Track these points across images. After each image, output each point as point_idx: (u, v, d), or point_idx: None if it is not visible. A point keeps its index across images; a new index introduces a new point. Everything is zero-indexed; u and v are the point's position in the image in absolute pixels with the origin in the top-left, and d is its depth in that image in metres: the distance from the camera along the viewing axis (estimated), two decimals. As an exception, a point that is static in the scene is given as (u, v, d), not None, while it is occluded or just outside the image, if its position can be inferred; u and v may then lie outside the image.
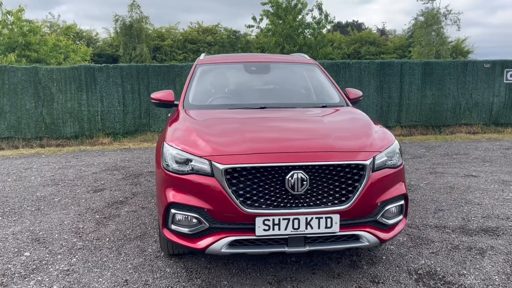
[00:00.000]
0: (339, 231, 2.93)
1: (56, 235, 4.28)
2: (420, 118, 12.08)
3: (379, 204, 3.03)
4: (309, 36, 20.25)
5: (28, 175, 7.19)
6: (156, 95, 4.38)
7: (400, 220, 3.24)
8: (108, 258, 3.71)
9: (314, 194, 2.90)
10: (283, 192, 2.87)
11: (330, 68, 11.47)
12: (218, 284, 3.21)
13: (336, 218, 2.90)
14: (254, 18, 20.77)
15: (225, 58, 4.99)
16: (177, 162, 3.04)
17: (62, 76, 10.82)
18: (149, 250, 3.86)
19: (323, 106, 4.11)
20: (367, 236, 3.01)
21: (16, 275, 3.38)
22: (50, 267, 3.53)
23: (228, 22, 61.68)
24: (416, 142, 10.72)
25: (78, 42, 28.66)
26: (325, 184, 2.91)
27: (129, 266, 3.54)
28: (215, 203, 2.87)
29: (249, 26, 21.17)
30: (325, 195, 2.91)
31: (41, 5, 48.52)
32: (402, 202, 3.20)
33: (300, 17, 19.83)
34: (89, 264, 3.59)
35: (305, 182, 2.84)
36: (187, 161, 2.99)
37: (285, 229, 2.87)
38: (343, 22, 37.75)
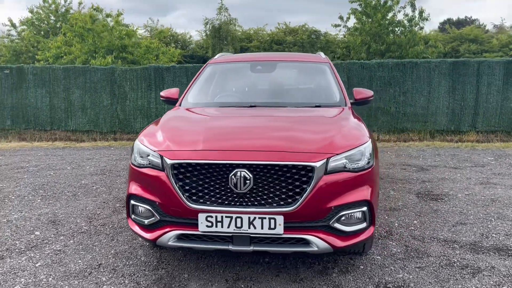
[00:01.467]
0: (284, 234, 2.85)
1: (72, 219, 4.72)
2: (501, 124, 10.89)
3: (332, 208, 2.88)
4: (399, 35, 19.23)
5: (85, 165, 7.97)
6: (164, 92, 4.62)
7: (363, 228, 3.03)
8: (100, 243, 4.00)
9: (259, 193, 2.85)
10: (228, 190, 2.87)
11: (395, 68, 10.87)
12: (178, 276, 3.31)
13: (280, 219, 2.82)
14: (341, 17, 20.28)
15: (237, 57, 5.05)
16: (141, 157, 3.19)
17: (134, 76, 11.73)
18: (139, 239, 4.08)
19: (317, 106, 3.98)
20: (316, 242, 2.88)
21: (16, 250, 3.82)
22: (47, 246, 3.92)
23: (327, 23, 61.12)
24: (490, 150, 9.68)
25: (173, 45, 30.73)
26: (271, 184, 2.85)
27: (112, 252, 3.79)
28: (164, 196, 2.97)
29: (336, 25, 20.74)
30: (271, 195, 2.85)
31: (160, 11, 53.62)
32: (365, 208, 2.99)
33: (390, 14, 18.92)
34: (81, 246, 3.91)
35: (248, 181, 2.82)
36: (147, 156, 3.13)
37: (228, 227, 2.86)
38: (454, 19, 35.04)
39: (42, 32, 25.56)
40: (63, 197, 5.67)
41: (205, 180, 2.90)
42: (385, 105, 11.00)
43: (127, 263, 3.55)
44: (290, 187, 2.84)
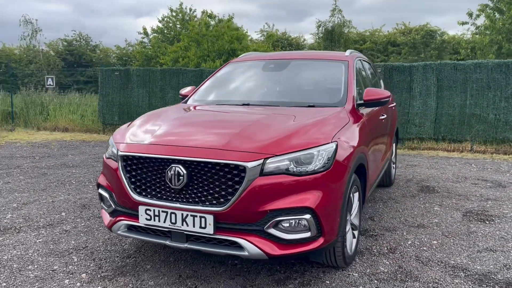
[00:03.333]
0: (216, 234, 2.76)
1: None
2: None
3: (268, 212, 2.70)
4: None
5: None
6: (183, 90, 4.77)
7: (308, 238, 2.76)
8: (104, 228, 4.30)
9: (194, 191, 2.81)
10: (166, 185, 2.88)
11: (496, 69, 9.50)
12: (142, 266, 3.40)
13: (210, 219, 2.74)
14: (469, 14, 18.33)
15: (256, 56, 4.93)
16: (111, 148, 3.38)
17: (220, 77, 12.25)
18: (138, 228, 4.29)
19: (310, 106, 3.72)
20: (247, 246, 2.72)
21: (34, 226, 4.32)
22: (60, 226, 4.35)
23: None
24: None
25: (288, 49, 31.36)
26: (205, 182, 2.78)
27: (105, 237, 4.04)
28: (116, 187, 3.11)
29: (462, 23, 18.85)
30: (204, 193, 2.78)
31: (296, 17, 56.31)
32: (308, 216, 2.72)
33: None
34: (86, 229, 4.25)
35: (181, 177, 2.79)
36: (112, 147, 3.30)
37: (164, 221, 2.87)
38: None
39: (170, 39, 28.28)
40: (112, 185, 6.21)
41: (147, 173, 2.95)
42: (482, 112, 9.69)
43: (108, 248, 3.76)
44: (223, 186, 2.74)
